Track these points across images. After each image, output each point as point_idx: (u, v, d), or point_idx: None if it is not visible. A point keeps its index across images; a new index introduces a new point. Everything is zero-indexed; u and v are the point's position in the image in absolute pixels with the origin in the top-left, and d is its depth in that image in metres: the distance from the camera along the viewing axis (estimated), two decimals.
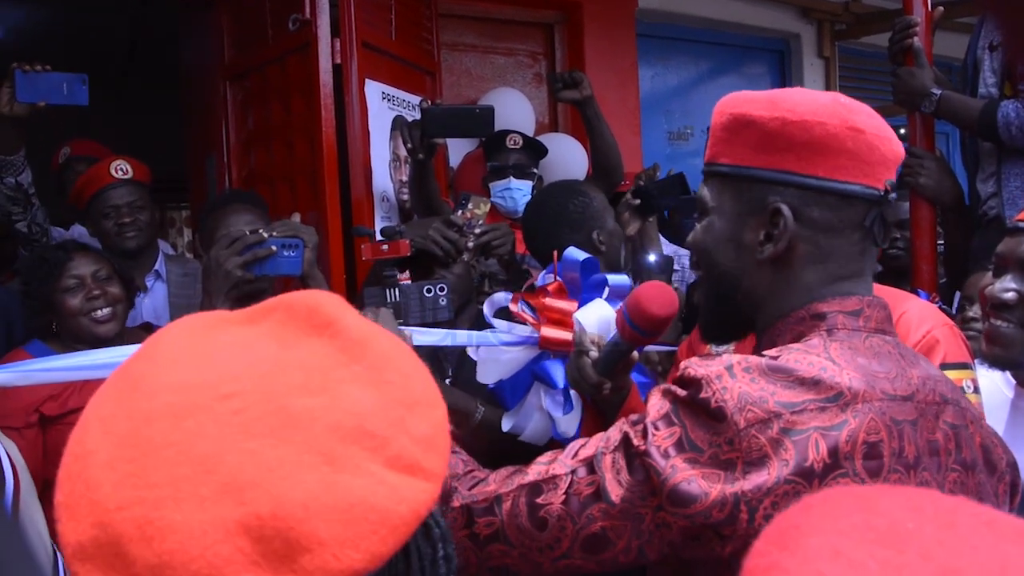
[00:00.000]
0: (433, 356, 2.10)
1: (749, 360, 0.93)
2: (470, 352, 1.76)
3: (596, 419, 1.39)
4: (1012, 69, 2.32)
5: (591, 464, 0.96)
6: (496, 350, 1.69)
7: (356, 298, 1.83)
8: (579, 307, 1.63)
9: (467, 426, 1.86)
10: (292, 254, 1.96)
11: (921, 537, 0.45)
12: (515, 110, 3.61)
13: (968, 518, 0.47)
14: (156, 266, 2.97)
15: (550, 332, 1.63)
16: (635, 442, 0.94)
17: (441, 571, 0.69)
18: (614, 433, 0.97)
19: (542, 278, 1.73)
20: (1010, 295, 1.52)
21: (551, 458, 1.00)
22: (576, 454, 0.99)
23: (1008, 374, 1.64)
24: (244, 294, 1.85)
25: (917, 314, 1.47)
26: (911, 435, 0.93)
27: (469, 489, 1.03)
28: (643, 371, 1.87)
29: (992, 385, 1.64)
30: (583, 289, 1.64)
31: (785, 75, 5.28)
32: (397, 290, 1.77)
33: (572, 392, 1.60)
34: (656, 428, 0.93)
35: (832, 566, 0.44)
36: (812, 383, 0.91)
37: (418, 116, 2.53)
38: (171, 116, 4.03)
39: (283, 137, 2.90)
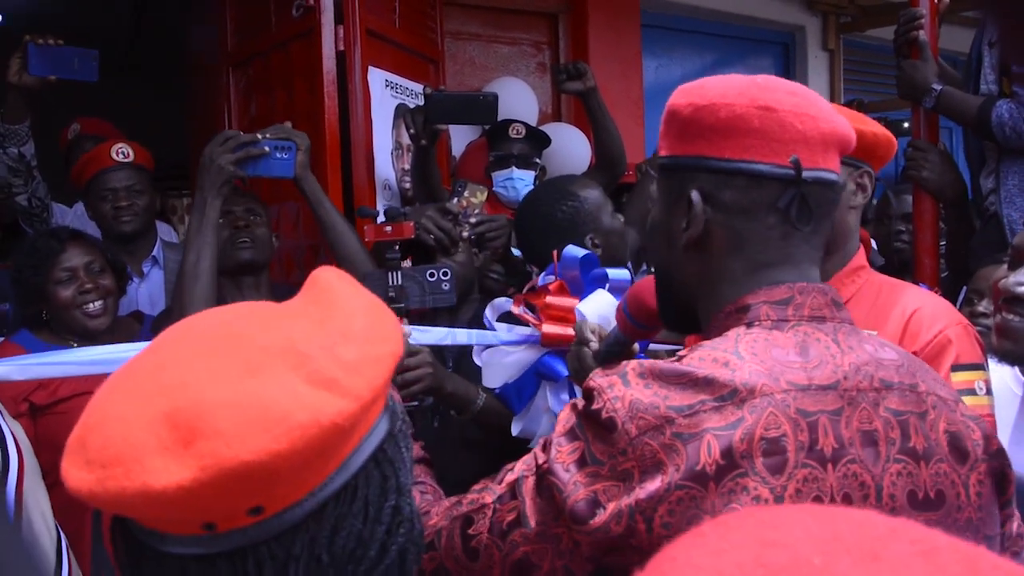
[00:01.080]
0: (437, 347, 2.09)
1: (644, 364, 0.92)
2: (473, 356, 1.75)
3: None
4: (1006, 67, 2.31)
5: (513, 489, 0.95)
6: (500, 353, 1.68)
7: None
8: (581, 299, 1.63)
9: (469, 412, 1.86)
10: (285, 156, 1.99)
11: (825, 573, 0.36)
12: (519, 99, 3.60)
13: (899, 550, 0.37)
14: (154, 252, 2.96)
15: (552, 328, 1.63)
16: (540, 460, 0.93)
17: (384, 518, 0.72)
18: (533, 452, 0.97)
19: (543, 279, 1.72)
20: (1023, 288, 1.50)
21: (484, 485, 1.01)
22: (503, 479, 0.98)
23: (1017, 371, 1.62)
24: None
25: (930, 312, 1.44)
26: (829, 427, 0.89)
27: None
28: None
29: (1000, 383, 1.62)
30: (584, 284, 1.64)
31: (790, 68, 5.26)
32: (399, 273, 1.77)
33: (575, 386, 1.60)
34: (560, 444, 0.92)
35: None
36: (705, 382, 0.88)
37: (421, 103, 2.52)
38: (175, 103, 4.02)
39: None
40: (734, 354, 0.91)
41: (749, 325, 0.96)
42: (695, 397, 0.88)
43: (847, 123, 1.01)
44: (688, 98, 0.99)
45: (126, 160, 2.80)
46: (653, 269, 1.11)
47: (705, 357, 0.91)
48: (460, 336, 1.74)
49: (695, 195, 0.98)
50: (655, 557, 0.42)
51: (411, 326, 1.62)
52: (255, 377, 0.65)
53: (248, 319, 0.72)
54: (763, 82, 0.98)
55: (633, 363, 0.92)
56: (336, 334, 0.69)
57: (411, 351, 1.60)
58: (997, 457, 1.01)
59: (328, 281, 0.75)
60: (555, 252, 1.68)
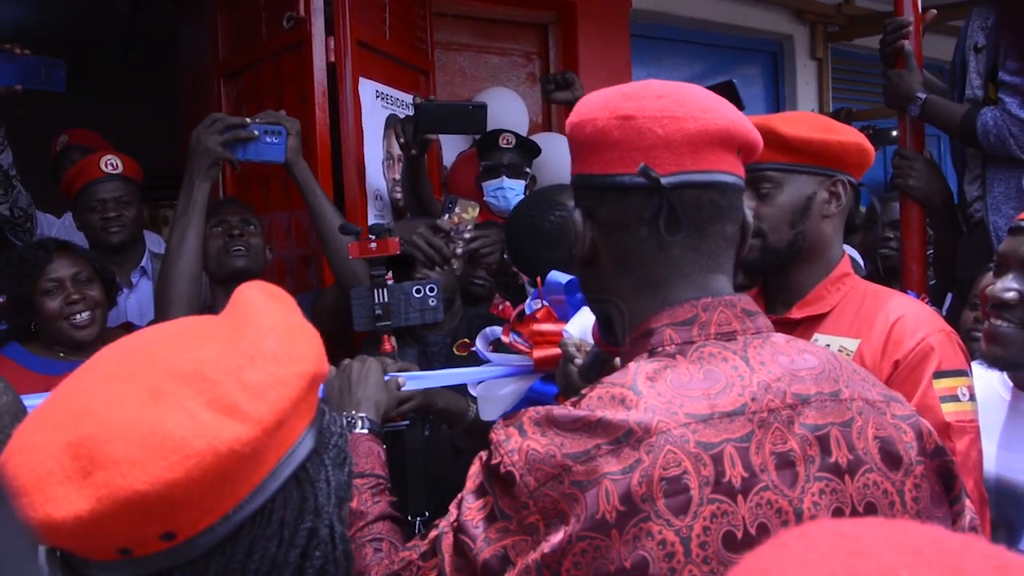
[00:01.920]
0: (423, 357, 2.10)
1: (540, 411, 0.88)
2: (469, 389, 1.76)
3: None
4: (993, 72, 2.33)
5: (434, 546, 0.93)
6: (495, 386, 1.68)
7: (347, 298, 1.82)
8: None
9: (461, 425, 1.86)
10: (275, 140, 1.98)
11: None
12: (509, 110, 3.62)
13: (976, 564, 0.38)
14: (142, 263, 2.96)
15: (542, 353, 1.63)
16: (451, 518, 0.91)
17: (299, 542, 0.72)
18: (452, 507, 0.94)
19: (529, 306, 1.73)
20: (1011, 295, 1.52)
21: (414, 543, 0.99)
22: (428, 535, 0.96)
23: (1006, 376, 1.64)
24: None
25: (912, 321, 1.44)
26: (737, 456, 0.85)
27: None
28: None
29: (989, 388, 1.64)
30: (569, 307, 1.64)
31: (778, 77, 5.29)
32: (385, 290, 1.75)
33: None
34: (469, 501, 0.89)
35: None
36: (599, 425, 0.84)
37: (412, 114, 2.53)
38: (167, 113, 4.02)
39: None
40: (631, 389, 0.87)
41: (651, 353, 0.92)
42: (590, 442, 0.84)
43: (734, 118, 0.95)
44: (572, 116, 0.99)
45: (115, 172, 2.81)
46: None
47: (603, 396, 0.88)
48: (455, 376, 1.73)
49: (577, 215, 0.99)
50: (744, 562, 0.42)
51: (404, 374, 1.61)
52: (157, 403, 0.65)
53: (165, 342, 0.71)
54: (629, 90, 0.96)
55: (531, 411, 0.89)
56: (243, 356, 0.69)
57: (402, 399, 1.60)
58: (937, 455, 0.96)
59: (248, 298, 0.75)
60: (539, 279, 1.68)
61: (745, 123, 0.96)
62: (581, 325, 1.54)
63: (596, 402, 0.87)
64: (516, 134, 3.06)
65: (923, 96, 2.36)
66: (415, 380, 1.63)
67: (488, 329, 1.77)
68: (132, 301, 2.91)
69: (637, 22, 4.46)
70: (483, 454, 0.91)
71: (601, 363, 1.32)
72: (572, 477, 0.83)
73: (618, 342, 1.08)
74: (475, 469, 0.92)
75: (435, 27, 3.47)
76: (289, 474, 0.71)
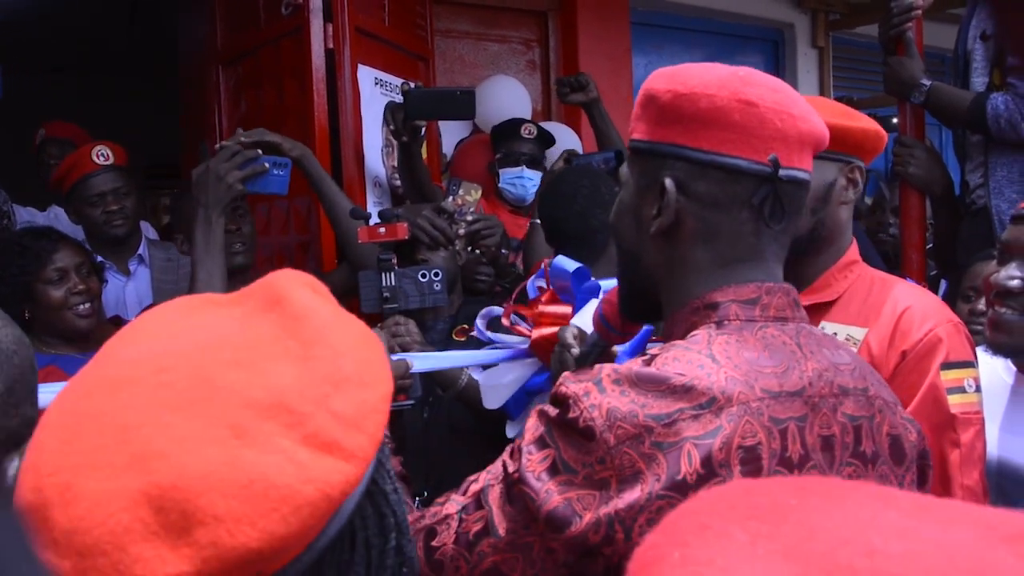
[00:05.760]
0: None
1: (619, 370, 0.90)
2: (472, 372, 1.78)
3: None
4: (1001, 60, 2.32)
5: (479, 499, 0.93)
6: (498, 374, 1.69)
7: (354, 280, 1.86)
8: (574, 312, 1.63)
9: (454, 389, 1.90)
10: (280, 173, 1.98)
11: (802, 510, 0.41)
12: (513, 98, 3.62)
13: (861, 494, 0.43)
14: (139, 251, 2.95)
15: (541, 332, 1.64)
16: (510, 469, 0.91)
17: (388, 562, 0.66)
18: (499, 462, 0.95)
19: (532, 289, 1.73)
20: (1015, 282, 1.52)
21: (446, 497, 0.99)
22: (467, 490, 0.96)
23: (1009, 360, 1.65)
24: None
25: (920, 311, 1.44)
26: (797, 433, 0.90)
27: None
28: None
29: (992, 372, 1.64)
30: (576, 296, 1.64)
31: (779, 65, 5.28)
32: (393, 275, 1.79)
33: None
34: (530, 452, 0.90)
35: (697, 538, 0.42)
36: (683, 390, 0.87)
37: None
38: (166, 100, 4.02)
39: (275, 122, 2.88)
40: (708, 357, 0.90)
41: (719, 324, 0.95)
42: (673, 405, 0.86)
43: (822, 123, 1.00)
44: (669, 84, 0.98)
45: (108, 162, 2.78)
46: (617, 252, 1.10)
47: (680, 359, 0.90)
48: (460, 358, 1.76)
49: (669, 183, 0.97)
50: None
51: (410, 354, 1.65)
52: (245, 444, 0.57)
53: (215, 357, 0.61)
54: (745, 75, 0.97)
55: (607, 369, 0.90)
56: (327, 382, 0.61)
57: (402, 373, 1.61)
58: (924, 456, 1.05)
59: (300, 301, 0.65)
60: (544, 262, 1.69)
61: (826, 130, 1.01)
62: (590, 320, 1.54)
63: (673, 364, 0.89)
64: (537, 125, 3.07)
65: (927, 83, 2.35)
66: (419, 360, 1.65)
67: (488, 309, 1.78)
68: (131, 289, 2.91)
69: (637, 9, 4.45)
70: (546, 408, 0.92)
71: (599, 351, 1.32)
72: (653, 438, 0.85)
73: (620, 329, 1.08)
74: (533, 422, 0.92)
75: (435, 14, 3.46)
76: (364, 487, 0.65)
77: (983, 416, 1.42)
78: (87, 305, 2.24)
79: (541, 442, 0.90)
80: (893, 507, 0.41)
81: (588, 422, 0.86)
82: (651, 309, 1.06)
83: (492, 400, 1.69)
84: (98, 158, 2.77)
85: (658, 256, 1.01)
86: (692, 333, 0.95)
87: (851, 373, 0.98)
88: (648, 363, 0.90)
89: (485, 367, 1.74)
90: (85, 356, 2.24)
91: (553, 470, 0.88)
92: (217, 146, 2.03)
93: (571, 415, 0.88)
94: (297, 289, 0.66)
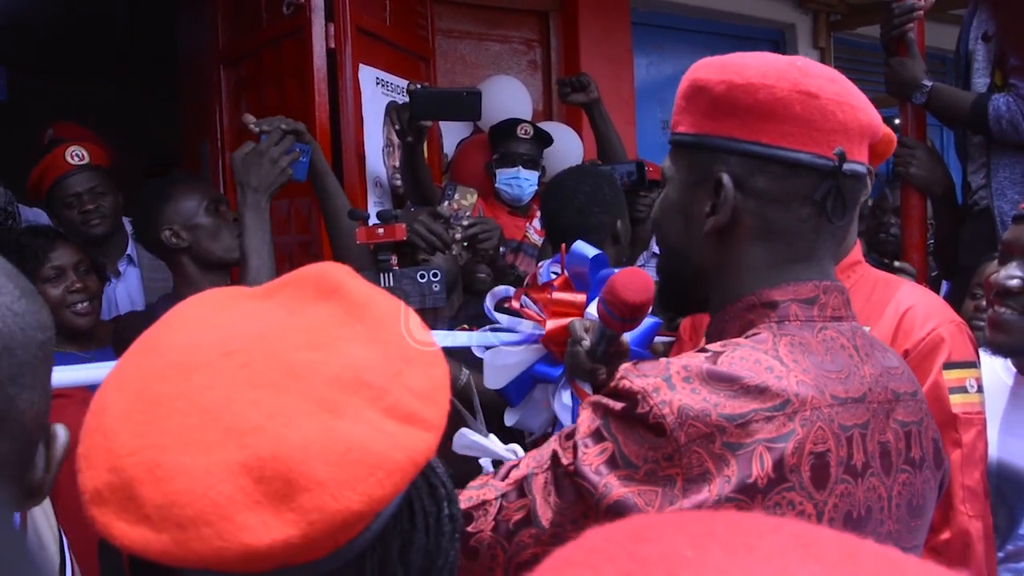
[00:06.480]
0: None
1: (689, 367, 0.86)
2: (475, 352, 1.77)
3: None
4: (1003, 60, 2.32)
5: (521, 487, 0.90)
6: (502, 355, 1.68)
7: None
8: (588, 301, 1.63)
9: (453, 389, 1.88)
10: (304, 160, 1.98)
11: (695, 567, 0.35)
12: (514, 98, 3.61)
13: (779, 543, 0.36)
14: (128, 250, 2.91)
15: (555, 325, 1.62)
16: (564, 461, 0.88)
17: (445, 528, 0.70)
18: (546, 451, 0.92)
19: (546, 273, 1.72)
20: (1015, 282, 1.52)
21: (483, 482, 0.95)
22: (507, 476, 0.93)
23: (1009, 361, 1.65)
24: None
25: (923, 311, 1.44)
26: (860, 441, 0.88)
27: None
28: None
29: (992, 373, 1.64)
30: (591, 285, 1.63)
31: None
32: (391, 275, 1.78)
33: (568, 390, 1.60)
34: (586, 445, 0.87)
35: None
36: (758, 391, 0.84)
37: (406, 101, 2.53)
38: (168, 101, 4.02)
39: None
40: (776, 359, 0.87)
41: (780, 324, 0.92)
42: (747, 406, 0.84)
43: (878, 114, 0.96)
44: (722, 74, 0.93)
45: (82, 162, 2.73)
46: (660, 249, 1.06)
47: (747, 358, 0.87)
48: (460, 338, 1.75)
49: (727, 179, 0.92)
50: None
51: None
52: (337, 416, 0.60)
53: (286, 340, 0.64)
54: (803, 65, 0.93)
55: (675, 365, 0.87)
56: (397, 359, 0.65)
57: None
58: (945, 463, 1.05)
59: (359, 290, 0.69)
60: (563, 246, 1.68)
61: (882, 123, 0.98)
62: None
63: (740, 363, 0.86)
64: (534, 125, 3.06)
65: (929, 84, 2.35)
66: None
67: (498, 288, 1.77)
68: (121, 289, 2.87)
69: (638, 10, 4.45)
70: (604, 401, 0.89)
71: (608, 341, 1.32)
72: (725, 438, 0.82)
73: (688, 309, 1.06)
74: (587, 415, 0.89)
75: (436, 14, 3.46)
76: None
77: (984, 416, 1.43)
78: (85, 304, 2.24)
79: (598, 435, 0.87)
80: (814, 559, 0.35)
81: (659, 419, 0.83)
82: (695, 304, 1.04)
83: (494, 380, 1.69)
84: (72, 158, 2.72)
85: (710, 254, 0.97)
86: (753, 331, 0.92)
87: (901, 377, 0.97)
88: (714, 361, 0.87)
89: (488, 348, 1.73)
90: (85, 354, 2.24)
91: (612, 464, 0.85)
92: (255, 128, 1.97)
93: (640, 410, 0.84)
94: (351, 279, 0.70)
